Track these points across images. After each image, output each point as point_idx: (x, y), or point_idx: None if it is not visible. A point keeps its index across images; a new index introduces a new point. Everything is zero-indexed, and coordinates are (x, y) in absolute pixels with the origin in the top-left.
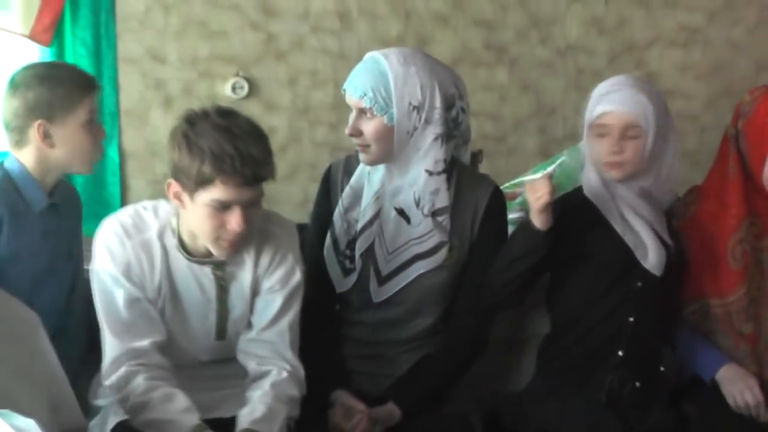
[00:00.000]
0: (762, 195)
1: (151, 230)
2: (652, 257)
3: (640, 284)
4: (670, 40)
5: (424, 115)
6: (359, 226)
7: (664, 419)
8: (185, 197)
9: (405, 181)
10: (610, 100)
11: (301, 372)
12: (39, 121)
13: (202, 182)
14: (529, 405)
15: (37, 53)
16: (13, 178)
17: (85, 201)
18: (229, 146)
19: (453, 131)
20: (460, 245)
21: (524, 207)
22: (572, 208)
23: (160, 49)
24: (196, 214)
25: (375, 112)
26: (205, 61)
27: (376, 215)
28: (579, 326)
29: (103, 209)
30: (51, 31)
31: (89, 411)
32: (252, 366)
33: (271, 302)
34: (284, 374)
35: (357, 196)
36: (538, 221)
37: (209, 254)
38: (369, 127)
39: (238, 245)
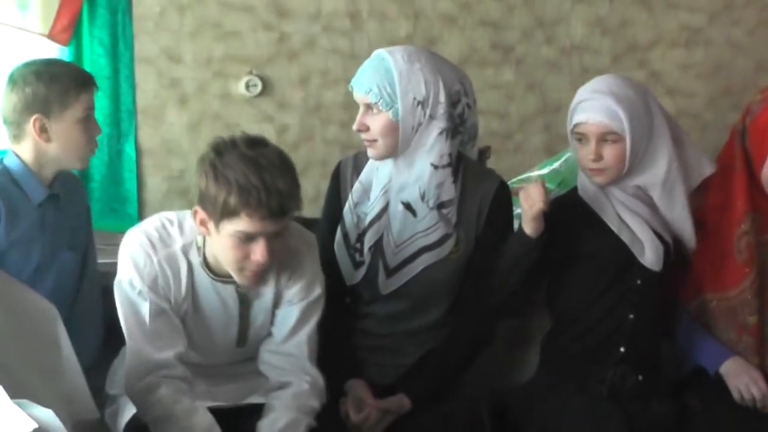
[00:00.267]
0: (763, 192)
1: (176, 245)
2: (649, 254)
3: (638, 282)
4: (672, 40)
5: (428, 111)
6: (368, 220)
7: (667, 411)
8: (210, 225)
9: (411, 175)
10: (584, 109)
11: (321, 382)
12: (36, 116)
13: (228, 213)
14: (533, 398)
15: (56, 52)
16: (11, 171)
17: (102, 197)
18: (255, 178)
19: (459, 127)
20: (467, 238)
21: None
22: (569, 208)
23: (175, 49)
24: (220, 243)
25: (381, 108)
26: (219, 61)
27: (384, 209)
28: (579, 324)
29: (120, 205)
30: (69, 31)
31: (104, 401)
32: (273, 376)
33: (289, 314)
34: (305, 386)
35: (366, 191)
36: (530, 228)
37: (230, 275)
38: (375, 122)
39: (262, 275)
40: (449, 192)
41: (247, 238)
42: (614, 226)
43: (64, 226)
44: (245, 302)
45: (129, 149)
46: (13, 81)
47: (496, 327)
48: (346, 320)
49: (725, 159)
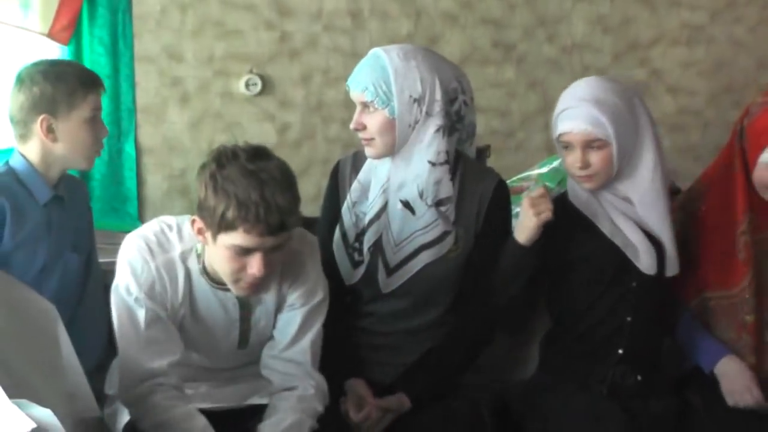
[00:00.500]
0: (758, 192)
1: (175, 251)
2: (643, 258)
3: (635, 284)
4: (674, 38)
5: (425, 108)
6: (367, 219)
7: (667, 409)
8: (208, 235)
9: (409, 173)
10: (568, 118)
11: (325, 386)
12: (43, 116)
13: (225, 226)
14: (534, 397)
15: (57, 52)
16: (17, 171)
17: (102, 196)
18: (255, 194)
19: (456, 124)
20: (466, 237)
21: None
22: (561, 213)
23: (176, 47)
24: (217, 254)
25: (377, 106)
26: (220, 60)
27: (383, 208)
28: (578, 326)
29: (120, 204)
30: (70, 30)
31: (105, 400)
32: (277, 380)
33: (292, 319)
34: (311, 390)
35: (365, 190)
36: (525, 237)
37: None
38: (372, 120)
39: (259, 288)
40: (447, 189)
41: (243, 252)
42: (607, 230)
43: (68, 228)
44: (246, 307)
45: (129, 148)
46: (20, 80)
47: (497, 325)
48: (346, 319)
49: (726, 158)
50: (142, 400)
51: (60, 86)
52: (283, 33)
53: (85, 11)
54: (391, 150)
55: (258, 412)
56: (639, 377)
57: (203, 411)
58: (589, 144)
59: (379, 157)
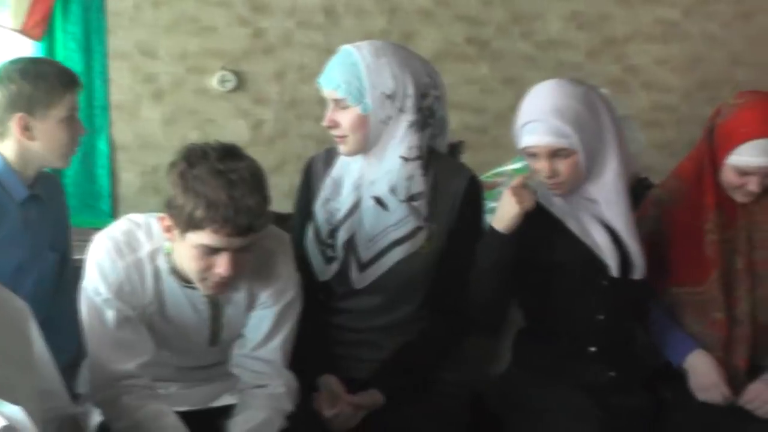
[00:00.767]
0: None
1: (143, 250)
2: (609, 261)
3: (606, 283)
4: (648, 34)
5: (397, 104)
6: (340, 216)
7: (642, 403)
8: (176, 233)
9: (381, 169)
10: (531, 132)
11: (296, 385)
12: (20, 114)
13: (193, 225)
14: (510, 393)
15: (30, 48)
16: None
17: (75, 193)
18: (224, 194)
19: (428, 120)
20: (439, 233)
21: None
22: (531, 213)
23: (150, 44)
24: (184, 252)
25: (349, 103)
26: (194, 56)
27: (356, 205)
28: (550, 325)
29: (94, 201)
30: (42, 26)
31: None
32: (247, 378)
33: (264, 318)
34: (281, 389)
35: (337, 187)
36: (509, 225)
37: None
38: (345, 117)
39: (226, 287)
40: (419, 185)
41: (211, 251)
42: (577, 230)
43: (46, 226)
44: (217, 306)
45: (102, 145)
46: None
47: (471, 321)
48: (319, 315)
49: (697, 156)
50: (112, 403)
51: (38, 85)
52: (257, 29)
53: (59, 7)
54: (364, 147)
55: (227, 411)
56: (613, 374)
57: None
58: (555, 153)
59: (352, 154)
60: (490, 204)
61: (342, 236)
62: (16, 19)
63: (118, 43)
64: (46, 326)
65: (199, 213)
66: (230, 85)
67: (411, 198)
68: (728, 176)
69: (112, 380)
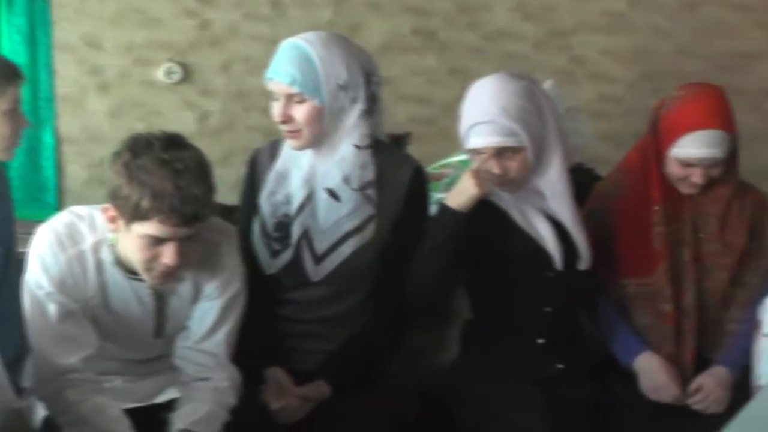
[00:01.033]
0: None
1: (86, 242)
2: (553, 253)
3: (552, 275)
4: (594, 25)
5: (351, 94)
6: (293, 210)
7: (590, 395)
8: (121, 223)
9: (334, 160)
10: (480, 134)
11: (239, 379)
12: None
13: (139, 216)
14: (458, 383)
15: None
16: None
17: (21, 185)
18: (170, 184)
19: (374, 106)
20: (386, 224)
21: (451, 186)
22: (478, 207)
23: (95, 35)
24: (130, 242)
25: (305, 97)
26: (140, 48)
27: (309, 198)
28: (497, 317)
29: (39, 193)
30: None
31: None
32: (190, 370)
33: (209, 311)
34: (225, 383)
35: (282, 180)
36: (463, 204)
37: None
38: (300, 111)
39: (172, 277)
40: (371, 173)
41: (157, 241)
42: (522, 223)
43: None
44: (161, 298)
45: (47, 138)
46: None
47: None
48: (265, 307)
49: (641, 148)
50: (56, 397)
51: None
52: (203, 21)
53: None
54: (318, 140)
55: (171, 405)
56: (560, 365)
57: None
58: (505, 152)
59: (304, 148)
60: (436, 195)
61: (296, 231)
62: None
63: (63, 35)
64: None
65: (146, 203)
66: (176, 77)
67: (363, 186)
68: (672, 168)
69: (56, 374)
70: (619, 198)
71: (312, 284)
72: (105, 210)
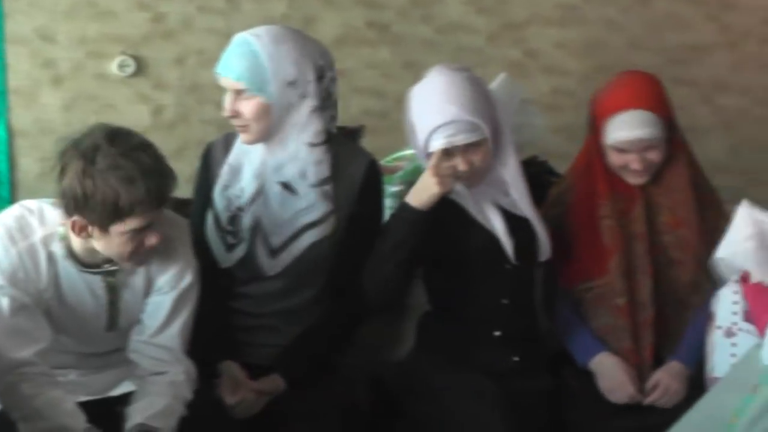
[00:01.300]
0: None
1: (36, 235)
2: (507, 248)
3: (509, 267)
4: (548, 18)
5: (299, 90)
6: (243, 203)
7: (546, 388)
8: (94, 230)
9: (286, 155)
10: (445, 134)
11: (195, 373)
12: None
13: (118, 215)
14: (412, 376)
15: None
16: None
17: None
18: (137, 173)
19: (326, 102)
20: (341, 218)
21: (405, 180)
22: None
23: (48, 28)
24: (111, 243)
25: (252, 92)
26: (93, 41)
27: (259, 192)
28: (454, 309)
29: None
30: None
31: None
32: (145, 364)
33: (161, 304)
34: (181, 377)
35: (236, 173)
36: (424, 202)
37: (101, 264)
38: (247, 107)
39: (153, 253)
40: (327, 169)
41: (140, 231)
42: (479, 216)
43: None
44: (114, 291)
45: (0, 131)
46: None
47: (370, 305)
48: (219, 301)
49: (587, 144)
50: (9, 391)
51: None
52: (156, 14)
53: None
54: (267, 135)
55: (126, 399)
56: (517, 358)
57: None
58: (470, 147)
59: (255, 142)
60: (390, 188)
61: (246, 222)
62: None
63: (15, 27)
64: None
65: (124, 201)
66: (130, 70)
67: (321, 182)
68: (611, 158)
69: (10, 368)
70: (570, 201)
71: (267, 278)
72: (70, 225)
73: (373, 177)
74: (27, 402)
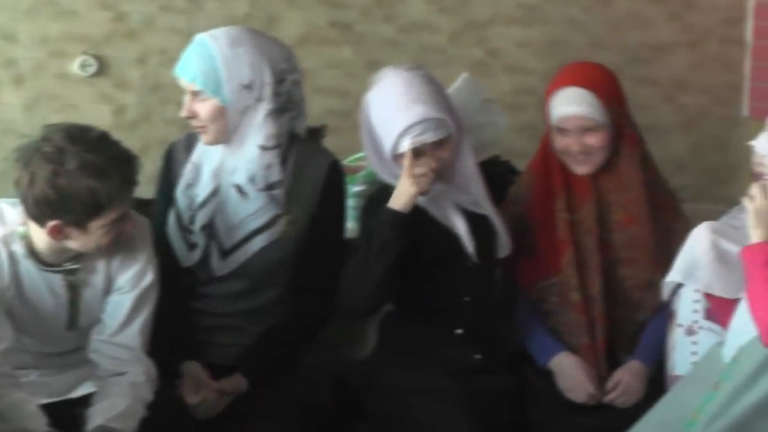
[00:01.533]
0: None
1: None
2: (469, 246)
3: (470, 265)
4: (510, 17)
5: (255, 93)
6: (199, 201)
7: (508, 386)
8: (71, 230)
9: (242, 157)
10: (417, 133)
11: (155, 373)
12: None
13: (96, 211)
14: (374, 375)
15: None
16: None
17: None
18: (108, 165)
19: (286, 104)
20: (302, 218)
21: (367, 180)
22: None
23: (9, 28)
24: (90, 239)
25: (207, 94)
26: (55, 41)
27: (215, 192)
28: (417, 307)
29: None
30: None
31: None
32: (106, 364)
33: (121, 303)
34: (142, 377)
35: (198, 173)
36: (404, 204)
37: (63, 263)
38: (203, 108)
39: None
40: (277, 173)
41: (117, 221)
42: (438, 214)
43: None
44: (74, 290)
45: None
46: None
47: (335, 304)
48: (181, 301)
49: (543, 140)
50: None
51: None
52: (118, 13)
53: None
54: (225, 136)
55: (87, 400)
56: (479, 356)
57: None
58: (437, 144)
59: (214, 143)
60: (352, 188)
61: (200, 221)
62: None
63: None
64: None
65: (102, 193)
66: (92, 69)
67: (269, 187)
68: (555, 142)
69: None
70: (529, 198)
71: (227, 278)
72: (50, 230)
73: (335, 177)
74: None
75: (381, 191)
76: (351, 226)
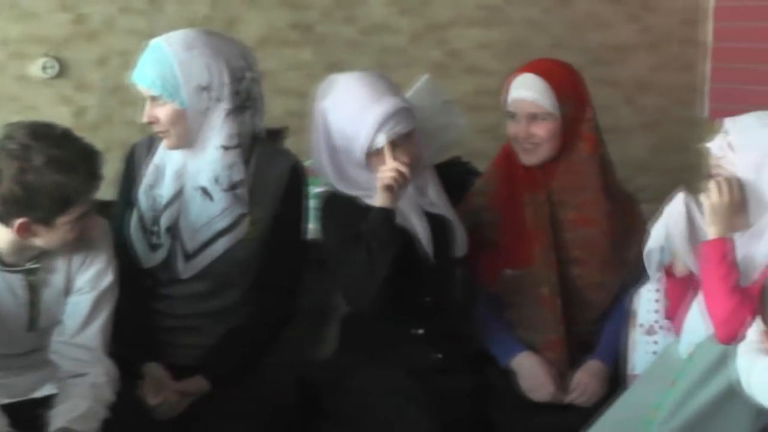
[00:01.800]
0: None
1: None
2: (427, 247)
3: (429, 265)
4: (471, 18)
5: (213, 94)
6: (162, 203)
7: (468, 385)
8: (38, 227)
9: (203, 159)
10: (390, 127)
11: (116, 373)
12: None
13: (64, 206)
14: (336, 374)
15: None
16: None
17: None
18: (75, 159)
19: (245, 102)
20: (263, 219)
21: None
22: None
23: None
24: (57, 235)
25: (166, 99)
26: (15, 42)
27: (178, 194)
28: (377, 308)
29: None
30: None
31: None
32: (66, 365)
33: (81, 304)
34: (102, 378)
35: (161, 174)
36: (382, 201)
37: (22, 262)
38: (163, 113)
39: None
40: (239, 172)
41: (84, 216)
42: (399, 219)
43: None
44: (34, 290)
45: None
46: None
47: (297, 305)
48: (143, 302)
49: (507, 140)
50: None
51: None
52: (78, 15)
53: None
54: (187, 140)
55: (49, 402)
56: (439, 356)
57: None
58: (406, 137)
59: (176, 147)
60: (314, 190)
61: (164, 223)
62: None
63: None
64: None
65: (70, 187)
66: (52, 71)
67: (233, 186)
68: (507, 128)
69: None
70: (493, 191)
71: (190, 279)
72: (17, 228)
73: (296, 179)
74: None
75: (335, 193)
76: (312, 226)
